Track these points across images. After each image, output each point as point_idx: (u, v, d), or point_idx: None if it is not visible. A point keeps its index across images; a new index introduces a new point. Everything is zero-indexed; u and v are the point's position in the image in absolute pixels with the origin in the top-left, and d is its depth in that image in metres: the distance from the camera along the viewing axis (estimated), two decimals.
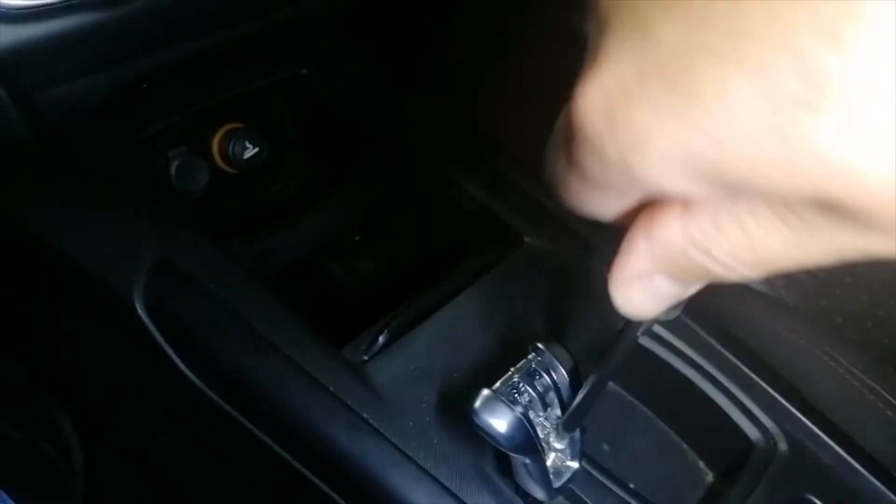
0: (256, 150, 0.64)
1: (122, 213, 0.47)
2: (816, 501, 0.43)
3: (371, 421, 0.41)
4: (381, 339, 0.46)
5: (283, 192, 0.69)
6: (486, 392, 0.36)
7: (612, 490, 0.43)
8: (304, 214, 0.62)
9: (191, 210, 0.56)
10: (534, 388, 0.38)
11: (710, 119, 0.15)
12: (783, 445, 0.45)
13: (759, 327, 0.53)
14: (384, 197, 0.64)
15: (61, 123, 0.51)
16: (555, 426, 0.39)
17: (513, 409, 0.36)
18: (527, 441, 0.36)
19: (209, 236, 0.48)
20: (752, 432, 0.46)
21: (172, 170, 0.60)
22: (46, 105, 0.50)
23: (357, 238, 0.68)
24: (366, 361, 0.45)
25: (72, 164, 0.50)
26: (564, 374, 0.39)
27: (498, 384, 0.37)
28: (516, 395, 0.38)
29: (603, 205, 0.21)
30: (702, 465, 0.49)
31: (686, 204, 0.18)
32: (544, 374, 0.39)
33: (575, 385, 0.39)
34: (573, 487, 0.41)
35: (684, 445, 0.50)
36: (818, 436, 0.45)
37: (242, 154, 0.63)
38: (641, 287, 0.21)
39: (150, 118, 0.57)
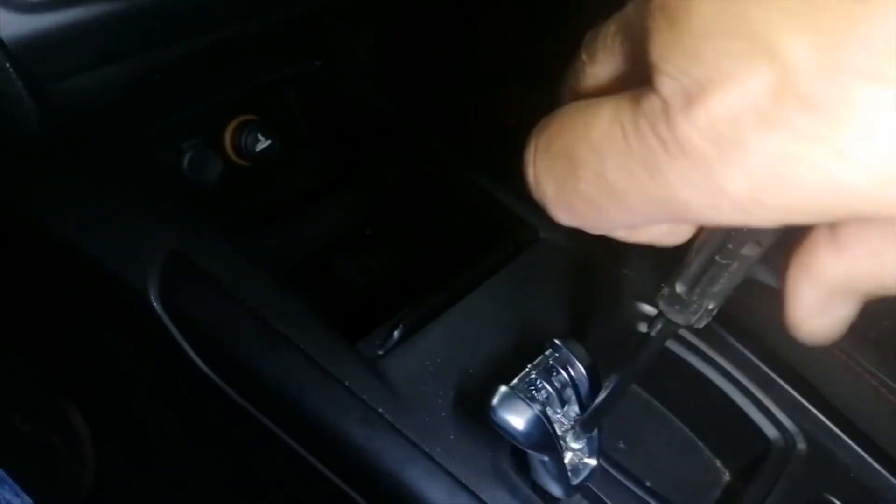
0: (269, 142, 0.63)
1: (135, 206, 0.47)
2: (835, 501, 0.43)
3: (387, 416, 0.41)
4: (396, 334, 0.46)
5: (295, 185, 0.68)
6: (503, 389, 0.36)
7: (629, 488, 0.42)
8: (315, 208, 0.62)
9: (203, 203, 0.55)
10: (551, 385, 0.38)
11: (861, 143, 0.14)
12: (802, 445, 0.45)
13: (777, 326, 0.52)
14: (397, 191, 0.63)
15: (74, 115, 0.50)
16: (572, 425, 0.38)
17: (531, 406, 0.35)
18: (545, 438, 0.36)
19: (222, 230, 0.48)
20: (770, 431, 0.46)
21: (185, 162, 0.59)
22: (60, 97, 0.49)
23: (369, 232, 0.67)
24: (381, 356, 0.45)
25: (85, 156, 0.50)
26: (582, 370, 0.38)
27: (515, 381, 0.37)
28: (534, 391, 0.37)
29: (622, 225, 0.20)
30: (719, 464, 0.49)
31: (833, 236, 0.19)
32: (562, 371, 0.38)
33: (593, 381, 0.38)
34: (590, 485, 0.41)
35: (701, 444, 0.50)
36: (837, 435, 0.45)
37: (255, 146, 0.63)
38: (822, 318, 0.21)
39: (162, 111, 0.57)
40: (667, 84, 0.16)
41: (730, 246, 0.23)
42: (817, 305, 0.20)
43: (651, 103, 0.17)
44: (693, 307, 0.25)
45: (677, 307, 0.26)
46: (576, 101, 0.20)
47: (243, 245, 0.49)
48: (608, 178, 0.18)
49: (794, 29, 0.14)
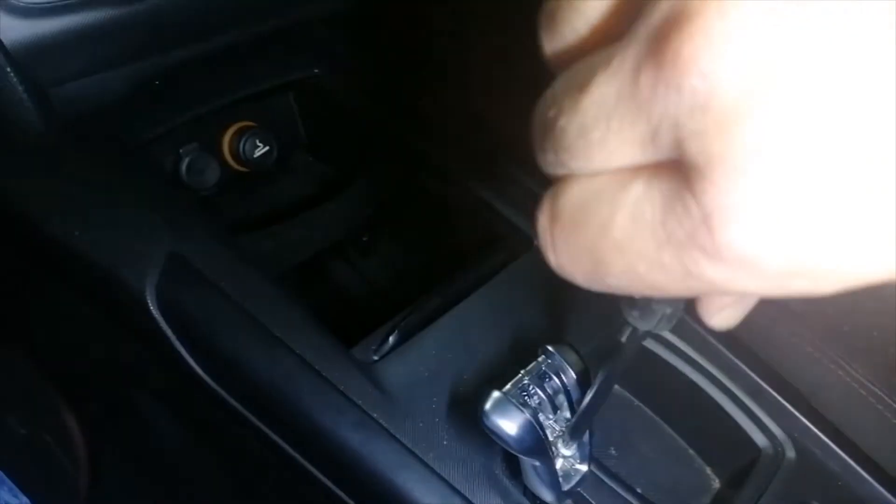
0: (267, 148, 0.64)
1: (133, 208, 0.47)
2: None
3: (381, 421, 0.41)
4: (391, 339, 0.46)
5: (293, 191, 0.69)
6: (496, 394, 0.36)
7: (619, 494, 0.43)
8: (312, 214, 0.62)
9: (201, 209, 0.56)
10: (543, 391, 0.38)
11: None
12: (791, 453, 0.45)
13: (767, 334, 0.53)
14: (393, 197, 0.64)
15: (75, 119, 0.51)
16: (563, 432, 0.39)
17: (523, 412, 0.36)
18: (536, 443, 0.36)
19: (220, 233, 0.48)
20: (759, 439, 0.46)
21: (183, 167, 0.60)
22: (61, 101, 0.50)
23: (365, 238, 0.68)
24: (376, 361, 0.45)
25: (84, 160, 0.50)
26: (574, 376, 0.39)
27: (508, 386, 0.37)
28: (526, 397, 0.38)
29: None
30: (709, 471, 0.49)
31: None
32: (554, 377, 0.39)
33: (585, 387, 0.39)
34: (581, 491, 0.41)
35: (691, 451, 0.50)
36: (826, 443, 0.45)
37: (253, 153, 0.63)
38: (733, 308, 0.22)
39: (161, 116, 0.57)
40: (711, 193, 0.14)
41: None
42: (721, 308, 0.22)
43: (687, 208, 0.15)
44: (648, 311, 0.26)
45: (636, 312, 0.26)
46: (581, 179, 0.18)
47: (240, 249, 0.50)
48: (641, 274, 0.17)
49: None
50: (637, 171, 0.16)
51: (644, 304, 0.26)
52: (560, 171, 0.18)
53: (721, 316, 0.22)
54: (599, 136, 0.16)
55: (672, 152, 0.15)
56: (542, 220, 0.19)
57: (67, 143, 0.50)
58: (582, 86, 0.16)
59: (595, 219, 0.17)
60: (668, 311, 0.26)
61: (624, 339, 0.29)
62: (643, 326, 0.27)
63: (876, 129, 0.14)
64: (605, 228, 0.17)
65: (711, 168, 0.14)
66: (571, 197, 0.18)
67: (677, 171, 0.15)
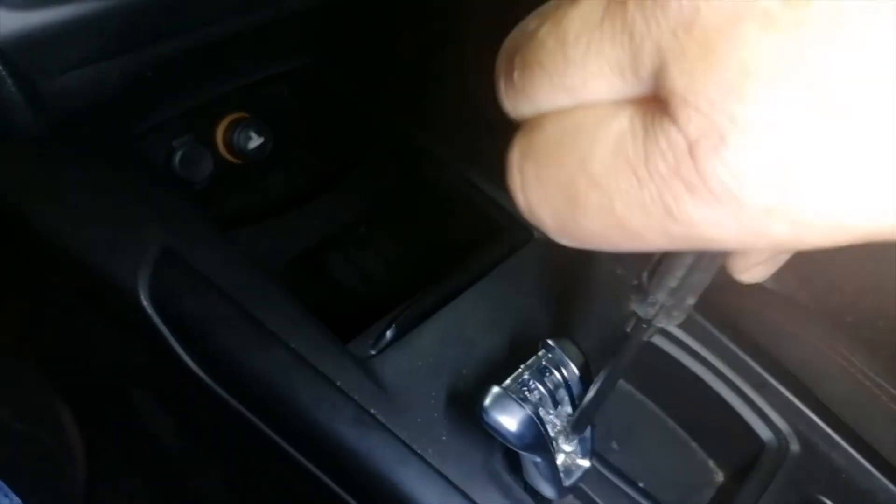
0: (261, 140, 0.63)
1: (125, 202, 0.47)
2: (828, 502, 0.43)
3: (378, 416, 0.41)
4: (388, 333, 0.46)
5: (288, 183, 0.68)
6: (495, 389, 0.36)
7: (621, 489, 0.42)
8: (308, 207, 0.62)
9: (195, 200, 0.55)
10: (544, 385, 0.38)
11: None
12: (795, 446, 0.45)
13: (772, 326, 0.53)
14: (390, 190, 0.63)
15: (66, 113, 0.50)
16: (564, 427, 0.38)
17: (523, 407, 0.35)
18: (537, 439, 0.36)
19: (214, 227, 0.47)
20: (763, 432, 0.45)
21: (176, 159, 0.59)
22: (51, 94, 0.49)
23: (362, 231, 0.67)
24: (373, 356, 0.44)
25: (75, 153, 0.49)
26: (575, 371, 0.38)
27: (508, 381, 0.37)
28: (526, 392, 0.37)
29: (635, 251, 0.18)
30: (712, 464, 0.49)
31: None
32: (555, 371, 0.38)
33: (586, 382, 0.38)
34: (583, 486, 0.41)
35: (694, 445, 0.50)
36: (831, 437, 0.45)
37: (247, 144, 0.63)
38: (764, 265, 0.24)
39: (154, 107, 0.56)
40: (696, 119, 0.14)
41: None
42: (753, 265, 0.24)
43: (671, 140, 0.14)
44: (651, 299, 0.25)
45: (640, 297, 0.26)
46: (558, 115, 0.17)
47: (234, 243, 0.49)
48: (617, 215, 0.16)
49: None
50: (619, 105, 0.16)
51: (647, 290, 0.25)
52: (524, 106, 0.18)
53: (749, 274, 0.24)
54: (580, 54, 0.16)
55: (651, 82, 0.15)
56: (513, 157, 0.18)
57: (58, 136, 0.49)
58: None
59: (572, 153, 0.16)
60: (669, 302, 0.25)
61: (629, 329, 0.29)
62: (645, 314, 0.26)
63: (872, 59, 0.13)
64: (583, 163, 0.16)
65: (695, 92, 0.14)
66: (547, 131, 0.17)
67: (659, 104, 0.15)
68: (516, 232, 0.53)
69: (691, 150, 0.14)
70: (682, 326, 0.50)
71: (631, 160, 0.15)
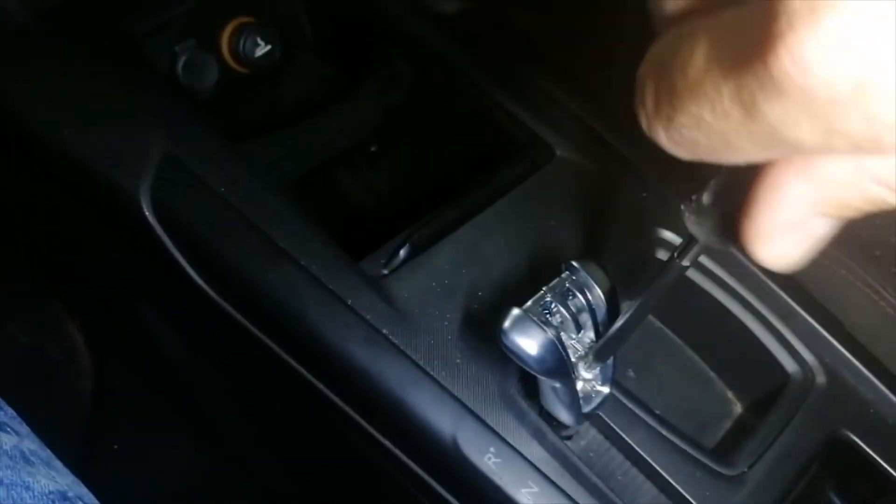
0: (269, 47, 0.60)
1: (126, 106, 0.44)
2: (854, 437, 0.41)
3: (391, 337, 0.39)
4: (402, 252, 0.43)
5: (297, 94, 0.65)
6: (516, 311, 0.34)
7: (638, 416, 0.41)
8: (317, 119, 0.59)
9: (200, 108, 0.52)
10: (567, 309, 0.36)
11: None
12: (821, 378, 0.43)
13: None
14: (405, 102, 0.60)
15: (61, 7, 0.46)
16: (586, 353, 0.36)
17: (545, 330, 0.33)
18: (558, 364, 0.34)
19: (220, 134, 0.45)
20: (788, 364, 0.44)
21: (179, 66, 0.56)
22: None
23: (374, 148, 0.64)
24: (385, 276, 0.42)
25: (73, 52, 0.46)
26: (600, 294, 0.36)
27: (529, 303, 0.35)
28: (548, 315, 0.35)
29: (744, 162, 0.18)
30: (731, 395, 0.48)
31: (804, 166, 0.18)
32: (578, 294, 0.36)
33: (611, 307, 0.36)
34: (600, 412, 0.40)
35: (713, 375, 0.48)
36: (858, 370, 0.43)
37: (253, 52, 0.59)
38: (793, 235, 0.18)
39: (155, 7, 0.53)
40: (775, 6, 0.13)
41: None
42: (800, 213, 0.18)
43: (752, 32, 0.14)
44: (703, 212, 0.24)
45: (699, 218, 0.24)
46: (668, 33, 0.18)
47: (240, 155, 0.46)
48: (707, 120, 0.16)
49: None
50: (717, 15, 0.16)
51: (708, 210, 0.23)
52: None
53: (774, 247, 0.19)
54: None
55: None
56: (640, 71, 0.19)
57: (52, 31, 0.46)
58: None
59: (677, 61, 0.17)
60: (727, 221, 0.23)
61: (677, 252, 0.27)
62: (700, 235, 0.24)
63: None
64: (684, 68, 0.17)
65: None
66: (662, 45, 0.18)
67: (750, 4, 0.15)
68: (538, 150, 0.51)
69: (761, 38, 0.14)
70: (706, 253, 0.48)
71: (719, 60, 0.16)
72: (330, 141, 0.57)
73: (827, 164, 0.17)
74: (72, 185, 0.46)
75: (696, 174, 0.24)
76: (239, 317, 0.43)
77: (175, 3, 0.54)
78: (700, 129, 0.17)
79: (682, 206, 0.24)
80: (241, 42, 0.59)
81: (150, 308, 0.55)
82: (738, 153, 0.17)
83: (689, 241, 0.26)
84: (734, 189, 0.22)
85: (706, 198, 0.24)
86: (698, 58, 0.16)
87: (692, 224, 0.24)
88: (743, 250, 0.20)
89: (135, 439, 0.68)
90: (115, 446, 0.68)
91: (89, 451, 0.67)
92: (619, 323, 0.33)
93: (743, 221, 0.19)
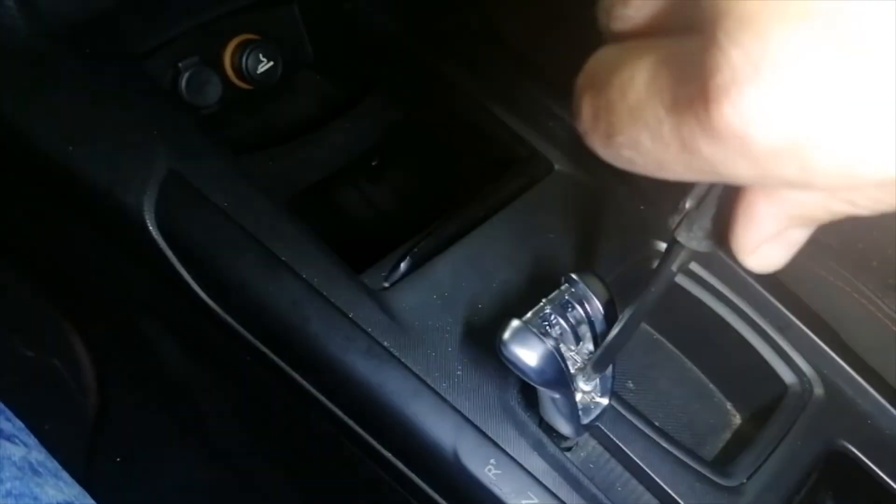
0: (271, 64, 0.60)
1: (131, 123, 0.44)
2: (851, 449, 0.42)
3: (391, 349, 0.40)
4: (402, 265, 0.44)
5: (298, 110, 0.65)
6: (515, 322, 0.34)
7: (638, 427, 0.41)
8: (318, 135, 0.59)
9: (202, 124, 0.53)
10: (566, 320, 0.36)
11: None
12: (819, 390, 0.43)
13: (797, 267, 0.51)
14: (405, 118, 0.60)
15: (66, 24, 0.47)
16: (585, 365, 0.37)
17: (544, 342, 0.34)
18: (557, 375, 0.34)
19: (223, 150, 0.45)
20: (786, 375, 0.44)
21: (183, 82, 0.56)
22: (49, 4, 0.46)
23: (374, 163, 0.65)
24: (386, 288, 0.43)
25: (78, 70, 0.47)
26: (599, 306, 0.36)
27: (529, 315, 0.35)
28: (547, 326, 0.36)
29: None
30: (730, 407, 0.48)
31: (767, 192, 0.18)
32: (577, 306, 0.36)
33: (610, 319, 0.36)
34: (599, 424, 0.40)
35: (712, 386, 0.49)
36: (856, 381, 0.43)
37: (256, 68, 0.60)
38: (774, 244, 0.20)
39: (159, 25, 0.54)
40: (713, 54, 0.14)
41: None
42: (777, 228, 0.19)
43: (691, 73, 0.15)
44: (696, 226, 0.24)
45: (686, 224, 0.24)
46: (610, 47, 0.18)
47: (243, 170, 0.47)
48: (645, 147, 0.17)
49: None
50: (662, 39, 0.17)
51: (692, 216, 0.23)
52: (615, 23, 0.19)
53: (758, 256, 0.20)
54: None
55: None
56: (579, 81, 0.19)
57: (57, 50, 0.47)
58: None
59: (617, 80, 0.17)
60: (710, 225, 0.23)
61: (666, 256, 0.27)
62: (687, 241, 0.24)
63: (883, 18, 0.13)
64: (624, 91, 0.17)
65: (717, 23, 0.14)
66: (603, 59, 0.18)
67: (696, 40, 0.15)
68: (536, 164, 0.51)
69: (705, 85, 0.14)
70: (704, 264, 0.48)
71: (658, 91, 0.16)
72: (331, 156, 0.58)
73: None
74: (77, 202, 0.46)
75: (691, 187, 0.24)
76: (241, 330, 0.43)
77: (179, 21, 0.54)
78: (638, 151, 0.17)
79: (674, 219, 0.25)
80: (244, 59, 0.59)
81: (153, 322, 0.56)
82: (675, 175, 0.17)
83: (674, 245, 0.26)
84: (715, 194, 0.23)
85: (689, 203, 0.24)
86: (640, 82, 0.16)
87: (679, 230, 0.25)
88: (729, 254, 0.21)
89: (138, 453, 0.68)
90: (118, 459, 0.68)
91: (92, 465, 0.67)
92: (613, 333, 0.34)
93: (728, 236, 0.20)
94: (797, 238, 0.20)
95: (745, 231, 0.19)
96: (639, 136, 0.17)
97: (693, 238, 0.24)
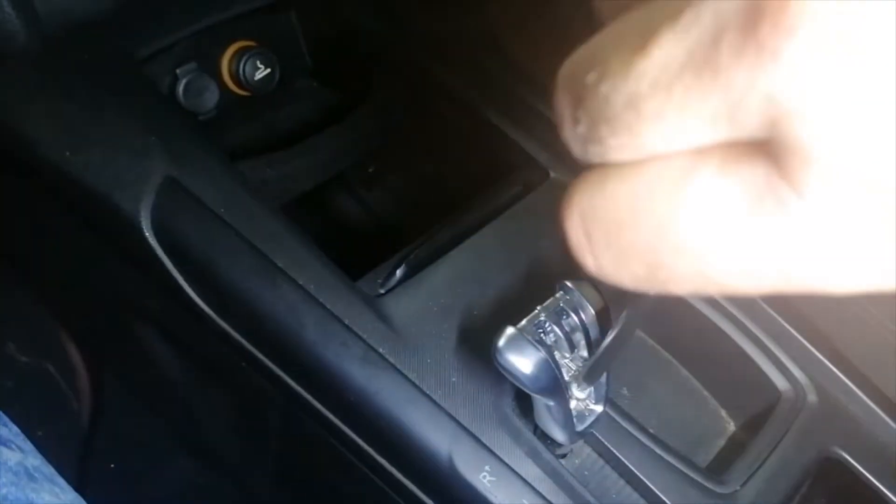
0: (268, 71, 0.60)
1: (128, 128, 0.44)
2: (845, 456, 0.42)
3: (387, 356, 0.40)
4: (398, 272, 0.44)
5: (295, 117, 0.66)
6: (510, 330, 0.34)
7: (632, 434, 0.41)
8: (315, 141, 0.59)
9: (200, 130, 0.53)
10: (561, 328, 0.36)
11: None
12: (812, 397, 0.44)
13: None
14: (401, 125, 0.61)
15: (63, 28, 0.47)
16: (579, 372, 0.37)
17: (539, 349, 0.34)
18: (552, 383, 0.35)
19: (220, 157, 0.45)
20: (780, 382, 0.44)
21: (180, 88, 0.57)
22: (46, 10, 0.46)
23: (371, 169, 0.65)
24: (382, 295, 0.43)
25: (75, 75, 0.47)
26: (593, 314, 0.37)
27: (523, 322, 0.36)
28: (542, 334, 0.36)
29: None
30: (724, 414, 0.48)
31: None
32: (572, 314, 0.37)
33: (604, 326, 0.37)
34: (594, 431, 0.40)
35: (706, 393, 0.49)
36: (850, 388, 0.44)
37: (253, 75, 0.60)
38: None
39: (157, 31, 0.54)
40: (814, 184, 0.12)
41: None
42: None
43: (783, 201, 0.13)
44: None
45: None
46: (624, 173, 0.15)
47: (239, 176, 0.47)
48: (714, 275, 0.14)
49: None
50: (702, 154, 0.13)
51: None
52: (594, 157, 0.15)
53: None
54: (656, 109, 0.13)
55: (761, 131, 0.12)
56: (573, 222, 0.16)
57: (55, 56, 0.47)
58: (638, 45, 0.13)
59: (650, 219, 0.14)
60: None
61: None
62: None
63: None
64: (664, 229, 0.14)
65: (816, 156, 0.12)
66: (614, 194, 0.15)
67: (763, 150, 0.12)
68: (531, 172, 0.51)
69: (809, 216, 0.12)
70: None
71: (726, 220, 0.13)
72: (327, 162, 0.58)
73: None
74: (73, 208, 0.46)
75: None
76: (237, 336, 0.43)
77: (177, 27, 0.55)
78: (695, 281, 0.14)
79: None
80: (241, 65, 0.60)
81: (149, 328, 0.56)
82: (739, 292, 0.15)
83: None
84: None
85: None
86: (688, 219, 0.14)
87: None
88: None
89: (132, 459, 0.68)
90: (113, 465, 0.68)
91: (87, 470, 0.67)
92: (605, 342, 0.34)
93: None
94: None
95: None
96: (707, 266, 0.14)
97: None
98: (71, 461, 0.67)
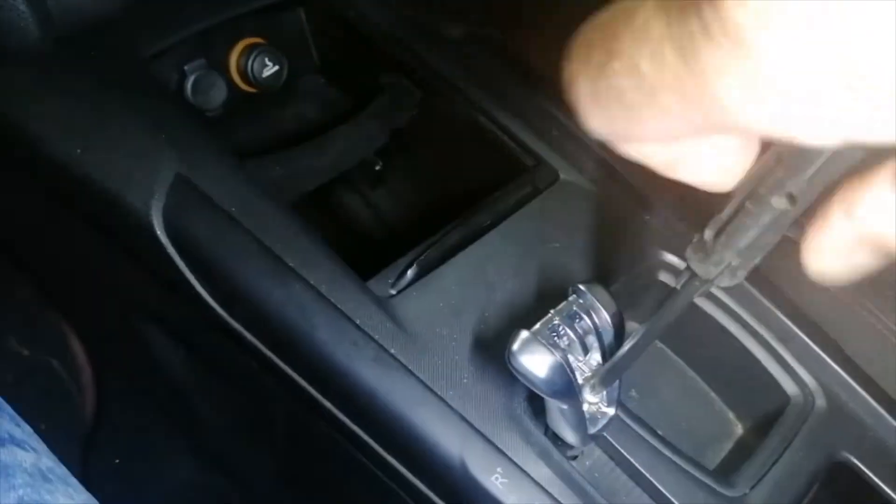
0: (276, 68, 0.60)
1: (138, 126, 0.44)
2: (854, 461, 0.42)
3: (398, 357, 0.40)
4: (409, 273, 0.44)
5: (302, 115, 0.65)
6: (525, 334, 0.34)
7: (642, 437, 0.41)
8: (323, 139, 0.59)
9: (209, 128, 0.53)
10: (574, 331, 0.36)
11: None
12: (821, 401, 0.44)
13: (800, 279, 0.51)
14: (409, 124, 0.61)
15: (75, 29, 0.47)
16: (592, 376, 0.37)
17: (553, 353, 0.34)
18: (566, 386, 0.34)
19: (231, 155, 0.45)
20: (789, 386, 0.44)
21: (188, 85, 0.57)
22: (59, 7, 0.46)
23: (378, 168, 0.65)
24: (393, 296, 0.43)
25: (86, 74, 0.47)
26: (607, 317, 0.37)
27: (538, 325, 0.35)
28: (556, 337, 0.36)
29: (655, 133, 0.19)
30: (732, 416, 0.48)
31: (846, 205, 0.19)
32: (585, 317, 0.37)
33: (617, 329, 0.37)
34: (605, 433, 0.40)
35: (714, 396, 0.49)
36: (858, 393, 0.44)
37: (261, 72, 0.60)
38: (840, 260, 0.20)
39: (166, 29, 0.54)
40: None
41: (760, 190, 0.21)
42: (846, 245, 0.19)
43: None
44: (715, 258, 0.24)
45: (701, 255, 0.24)
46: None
47: (247, 174, 0.47)
48: (642, 67, 0.17)
49: None
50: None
51: (710, 247, 0.23)
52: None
53: (818, 261, 0.20)
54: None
55: None
56: (581, 28, 0.19)
57: (66, 54, 0.47)
58: None
59: (625, 9, 0.17)
60: (735, 261, 0.23)
61: (679, 286, 0.27)
62: (705, 274, 0.24)
63: None
64: (631, 14, 0.17)
65: None
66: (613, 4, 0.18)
67: None
68: (543, 173, 0.51)
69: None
70: (708, 282, 0.48)
71: (666, 7, 0.16)
72: (336, 161, 0.58)
73: (868, 210, 0.18)
74: (84, 206, 0.46)
75: (699, 199, 0.25)
76: (248, 335, 0.43)
77: (186, 25, 0.54)
78: (632, 75, 0.17)
79: (690, 249, 0.25)
80: (250, 62, 0.59)
81: (155, 325, 0.55)
82: (659, 113, 0.17)
83: (693, 274, 0.26)
84: (735, 223, 0.23)
85: (708, 233, 0.24)
86: (647, 7, 0.16)
87: (696, 262, 0.25)
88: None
89: (136, 455, 0.68)
90: (116, 461, 0.68)
91: (89, 466, 0.67)
92: (623, 350, 0.34)
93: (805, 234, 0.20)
94: (860, 261, 0.20)
95: (815, 234, 0.20)
96: (639, 54, 0.16)
97: (716, 272, 0.24)
98: (74, 457, 0.67)
